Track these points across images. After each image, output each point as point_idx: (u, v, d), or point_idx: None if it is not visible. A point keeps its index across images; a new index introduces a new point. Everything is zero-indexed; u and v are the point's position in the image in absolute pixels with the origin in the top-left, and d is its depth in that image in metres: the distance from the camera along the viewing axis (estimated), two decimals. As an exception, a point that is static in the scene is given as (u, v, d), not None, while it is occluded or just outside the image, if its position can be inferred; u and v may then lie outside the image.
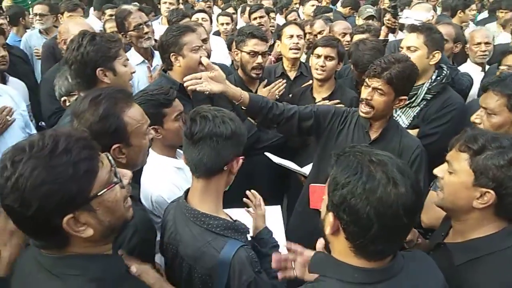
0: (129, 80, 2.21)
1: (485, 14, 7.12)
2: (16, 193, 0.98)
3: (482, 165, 1.42)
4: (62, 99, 2.35)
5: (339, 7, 7.01)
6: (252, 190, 1.95)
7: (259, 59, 2.89)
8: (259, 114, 2.33)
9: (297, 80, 3.39)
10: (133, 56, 3.30)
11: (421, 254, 1.45)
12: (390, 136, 2.23)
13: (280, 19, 5.95)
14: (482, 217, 1.48)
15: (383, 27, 4.64)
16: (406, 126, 2.62)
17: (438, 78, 2.67)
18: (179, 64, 2.61)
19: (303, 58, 4.22)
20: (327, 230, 1.19)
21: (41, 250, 1.12)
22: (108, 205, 1.11)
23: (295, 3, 6.86)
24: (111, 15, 4.85)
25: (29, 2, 6.34)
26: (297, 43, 3.30)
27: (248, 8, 5.15)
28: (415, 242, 1.82)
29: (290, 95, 3.19)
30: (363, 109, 2.18)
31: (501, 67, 3.08)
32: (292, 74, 3.44)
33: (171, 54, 2.61)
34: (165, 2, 4.95)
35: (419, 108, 2.67)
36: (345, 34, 3.92)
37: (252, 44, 2.88)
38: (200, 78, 2.23)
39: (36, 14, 4.60)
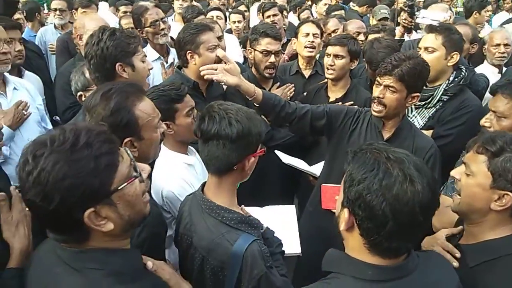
0: (147, 77, 2.23)
1: (501, 15, 7.02)
2: (38, 188, 0.99)
3: (500, 167, 1.41)
4: (78, 94, 2.36)
5: (352, 5, 6.99)
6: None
7: (272, 58, 2.89)
8: (272, 111, 2.33)
9: (312, 79, 3.38)
10: (149, 53, 3.30)
11: (436, 254, 1.44)
12: (403, 135, 2.21)
13: (293, 18, 5.93)
14: (498, 219, 1.46)
15: (398, 27, 4.61)
16: (421, 127, 2.60)
17: (456, 79, 2.64)
18: (194, 62, 2.62)
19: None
20: (342, 226, 1.19)
21: (61, 244, 1.13)
22: (128, 199, 1.11)
23: (307, 2, 6.84)
24: (125, 12, 4.90)
25: (44, -2, 6.43)
26: (313, 41, 3.29)
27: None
28: None
29: (305, 94, 3.18)
30: (375, 108, 2.17)
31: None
32: (307, 73, 3.43)
33: (187, 51, 2.62)
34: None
35: (434, 109, 2.64)
36: (359, 33, 3.89)
37: (265, 43, 2.88)
38: (216, 70, 2.23)
39: (55, 10, 4.64)
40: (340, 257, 1.24)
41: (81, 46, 3.12)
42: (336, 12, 5.14)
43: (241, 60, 4.25)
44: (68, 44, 4.00)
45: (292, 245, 1.98)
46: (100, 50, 2.04)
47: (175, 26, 4.16)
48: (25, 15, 4.69)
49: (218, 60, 2.58)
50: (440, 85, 2.63)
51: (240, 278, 1.47)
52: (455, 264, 1.47)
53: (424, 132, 2.45)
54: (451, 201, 1.63)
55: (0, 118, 2.38)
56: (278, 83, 3.04)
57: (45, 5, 6.57)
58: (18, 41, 3.09)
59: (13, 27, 3.05)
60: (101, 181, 1.04)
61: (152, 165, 1.95)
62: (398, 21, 4.77)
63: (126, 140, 1.55)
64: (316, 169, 2.75)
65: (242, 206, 1.69)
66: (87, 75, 2.31)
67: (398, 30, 4.51)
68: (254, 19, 6.19)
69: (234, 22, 4.80)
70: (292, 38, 3.66)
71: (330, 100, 3.00)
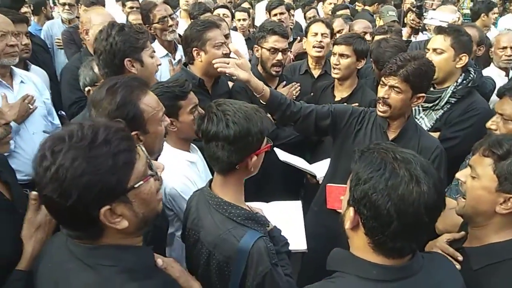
0: (155, 72, 2.24)
1: (507, 18, 6.99)
2: (55, 184, 0.98)
3: (506, 170, 1.41)
4: (86, 89, 2.37)
5: (357, 5, 6.99)
6: None
7: (279, 56, 2.89)
8: (278, 110, 2.33)
9: (321, 78, 3.38)
10: (157, 49, 3.27)
11: (441, 256, 1.45)
12: (409, 136, 2.21)
13: (299, 16, 5.92)
14: (503, 223, 1.46)
15: (406, 28, 4.59)
16: (428, 129, 2.59)
17: (464, 81, 2.63)
18: (200, 59, 2.62)
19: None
20: (347, 224, 1.19)
21: (74, 239, 1.13)
22: (144, 197, 1.11)
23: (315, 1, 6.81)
24: (131, 7, 4.90)
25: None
26: (321, 41, 3.28)
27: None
28: None
29: (312, 94, 3.18)
30: (380, 108, 2.17)
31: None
32: (316, 72, 3.43)
33: (194, 48, 2.61)
34: (184, -4, 4.95)
35: (442, 111, 2.63)
36: (365, 33, 3.87)
37: (272, 41, 2.88)
38: (228, 63, 2.24)
39: (64, 4, 4.63)
40: (345, 256, 1.24)
41: (87, 41, 3.13)
42: (341, 12, 5.13)
43: (247, 58, 4.25)
44: (74, 36, 4.04)
45: (298, 241, 1.98)
46: (109, 45, 2.05)
47: (181, 23, 4.16)
48: (32, 9, 4.69)
49: (224, 57, 2.58)
50: (448, 87, 2.62)
51: (246, 274, 1.47)
52: (457, 267, 1.47)
53: (431, 134, 2.45)
54: (455, 204, 1.63)
55: (6, 112, 2.38)
56: (284, 82, 3.04)
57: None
58: (25, 35, 3.11)
59: (20, 21, 3.07)
60: (118, 179, 1.03)
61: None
62: (405, 21, 4.76)
63: (132, 134, 1.55)
64: (315, 167, 2.75)
65: (249, 203, 1.69)
66: (96, 70, 2.31)
67: (406, 31, 4.49)
68: (259, 17, 6.19)
69: (239, 20, 4.79)
70: (303, 38, 3.65)
71: (336, 99, 3.00)
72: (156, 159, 1.83)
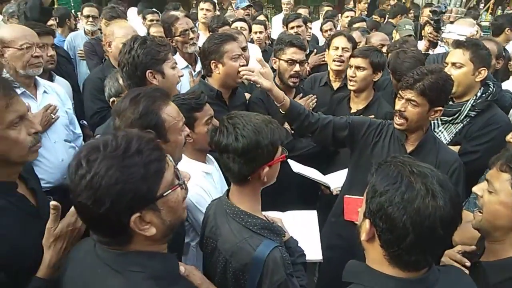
0: (176, 83, 2.28)
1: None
2: (90, 191, 1.02)
3: None
4: (111, 99, 2.43)
5: (374, 17, 7.03)
6: None
7: (297, 67, 2.91)
8: (297, 119, 2.37)
9: (340, 91, 3.39)
10: (178, 61, 3.34)
11: (457, 269, 1.43)
12: (427, 149, 2.20)
13: (316, 29, 5.96)
14: (521, 237, 1.44)
15: (423, 41, 4.57)
16: (447, 143, 2.57)
17: (483, 95, 2.61)
18: (218, 71, 2.67)
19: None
20: (363, 236, 1.20)
21: (103, 245, 1.16)
22: (171, 205, 1.15)
23: (327, 11, 6.87)
24: (151, 20, 5.01)
25: (71, 5, 6.61)
26: (341, 55, 3.30)
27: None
28: None
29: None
30: (397, 121, 2.18)
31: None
32: (335, 85, 3.45)
33: (212, 61, 2.67)
34: (202, 9, 5.04)
35: (461, 125, 2.61)
36: (382, 45, 3.88)
37: (290, 53, 2.91)
38: (253, 72, 2.29)
39: (88, 16, 4.77)
40: (361, 268, 1.24)
41: (109, 52, 3.21)
42: (357, 24, 5.15)
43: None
44: (95, 48, 4.15)
45: (313, 251, 1.98)
46: (132, 58, 2.12)
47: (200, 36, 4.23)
48: (57, 21, 4.83)
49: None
50: (467, 100, 2.60)
51: (261, 283, 1.48)
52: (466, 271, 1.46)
53: (451, 147, 2.43)
54: (472, 217, 1.61)
55: (36, 121, 2.44)
56: (301, 94, 3.06)
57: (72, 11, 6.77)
58: (50, 47, 3.21)
59: (47, 33, 3.18)
60: (149, 187, 1.07)
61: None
62: (423, 34, 4.74)
63: None
64: (329, 178, 2.75)
65: (266, 212, 1.71)
66: (121, 81, 2.38)
67: (423, 44, 4.48)
68: (275, 30, 6.25)
69: (256, 32, 4.84)
70: (326, 49, 3.68)
71: (352, 111, 3.00)
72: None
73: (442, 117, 2.50)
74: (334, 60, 3.32)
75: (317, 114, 2.43)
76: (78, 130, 3.03)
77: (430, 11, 4.51)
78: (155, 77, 2.16)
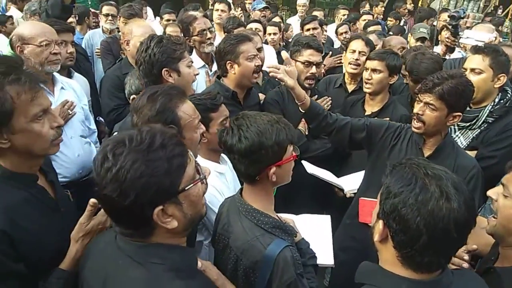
0: (192, 82, 2.30)
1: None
2: (115, 184, 1.05)
3: None
4: (132, 97, 2.47)
5: (389, 20, 7.02)
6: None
7: (313, 69, 2.92)
8: (316, 119, 2.39)
9: (354, 93, 3.40)
10: (194, 60, 3.37)
11: (471, 273, 1.43)
12: (445, 154, 2.18)
13: (331, 31, 5.95)
14: (536, 243, 1.42)
15: (441, 46, 4.53)
16: (464, 148, 2.55)
17: (502, 101, 2.58)
18: (234, 71, 2.69)
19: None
20: (376, 237, 1.20)
21: (125, 237, 1.18)
22: (192, 199, 1.17)
23: (343, 14, 6.87)
24: (168, 20, 5.06)
25: (89, 3, 6.70)
26: (357, 59, 3.31)
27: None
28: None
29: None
30: (415, 124, 2.18)
31: None
32: (350, 87, 3.45)
33: (227, 61, 2.70)
34: (217, 10, 5.07)
35: (479, 131, 2.59)
36: (403, 48, 3.86)
37: (307, 54, 2.91)
38: (279, 69, 2.32)
39: (107, 15, 4.84)
40: (374, 269, 1.25)
41: (127, 51, 3.25)
42: (372, 28, 5.14)
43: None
44: (111, 46, 4.20)
45: (325, 255, 1.98)
46: (148, 56, 2.16)
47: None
48: (76, 19, 4.91)
49: (256, 69, 2.67)
50: (485, 106, 2.58)
51: (271, 281, 1.48)
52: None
53: (468, 152, 2.41)
54: (487, 223, 1.60)
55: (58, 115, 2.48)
56: (316, 96, 3.07)
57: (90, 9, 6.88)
58: (70, 44, 3.24)
59: (67, 30, 3.21)
60: (171, 181, 1.10)
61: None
62: (439, 39, 4.70)
63: None
64: (343, 181, 2.74)
65: (279, 214, 1.71)
66: (140, 80, 2.41)
67: (440, 49, 4.44)
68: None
69: (270, 34, 4.85)
70: (342, 51, 3.69)
71: (366, 113, 3.00)
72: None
73: (459, 123, 2.47)
74: (350, 63, 3.33)
75: (335, 115, 2.45)
76: (93, 126, 3.06)
77: (448, 16, 4.47)
78: (171, 75, 2.18)
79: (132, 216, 1.10)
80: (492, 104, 2.58)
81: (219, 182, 2.11)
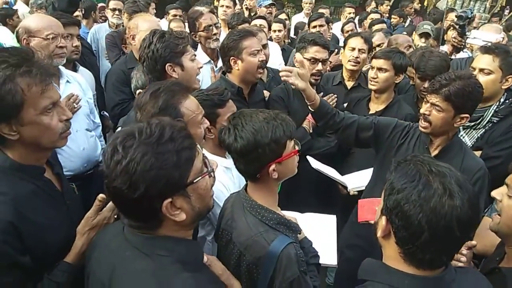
0: (197, 75, 2.30)
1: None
2: (125, 176, 1.06)
3: None
4: (138, 91, 2.47)
5: (393, 17, 6.99)
6: None
7: (319, 66, 2.92)
8: (324, 118, 2.41)
9: (354, 90, 3.41)
10: (200, 56, 3.38)
11: (474, 271, 1.45)
12: (451, 154, 2.17)
13: (337, 29, 5.94)
14: (542, 243, 1.42)
15: (447, 45, 4.52)
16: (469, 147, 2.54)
17: (507, 101, 2.58)
18: (237, 67, 2.70)
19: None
20: (379, 232, 1.21)
21: (132, 229, 1.19)
22: (200, 192, 1.18)
23: (349, 13, 6.86)
24: (174, 15, 5.06)
25: (95, -3, 6.70)
26: (357, 57, 3.32)
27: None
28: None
29: (345, 104, 3.19)
30: (421, 123, 2.18)
31: None
32: (349, 84, 3.46)
33: (231, 57, 2.70)
34: (222, 5, 5.06)
35: (483, 130, 2.59)
36: (410, 46, 3.87)
37: (313, 51, 2.91)
38: (291, 72, 2.34)
39: (114, 9, 4.84)
40: (377, 265, 1.25)
41: (133, 46, 3.24)
42: (378, 26, 5.13)
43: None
44: (116, 40, 4.22)
45: (328, 255, 1.98)
46: (151, 52, 2.16)
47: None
48: (83, 12, 4.91)
49: (260, 64, 2.67)
50: (490, 106, 2.57)
51: (273, 278, 1.49)
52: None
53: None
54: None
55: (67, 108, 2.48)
56: (322, 93, 3.07)
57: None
58: (76, 37, 3.25)
59: (73, 24, 3.22)
60: (180, 174, 1.10)
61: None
62: (445, 39, 4.68)
63: None
64: (347, 178, 2.74)
65: (283, 212, 1.71)
66: (145, 76, 2.41)
67: (447, 49, 4.42)
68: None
69: (275, 31, 4.85)
70: (341, 49, 3.68)
71: (370, 112, 3.00)
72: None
73: (463, 122, 2.47)
74: (350, 61, 3.33)
75: (343, 114, 2.45)
76: (97, 120, 3.08)
77: (456, 16, 4.45)
78: (174, 70, 2.18)
79: (141, 208, 1.10)
80: (497, 104, 2.57)
81: (226, 177, 2.12)
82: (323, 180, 2.82)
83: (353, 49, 3.33)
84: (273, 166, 1.52)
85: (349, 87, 3.44)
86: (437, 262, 1.16)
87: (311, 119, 2.91)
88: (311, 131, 2.92)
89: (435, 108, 2.09)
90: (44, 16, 2.90)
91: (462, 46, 4.34)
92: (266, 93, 3.11)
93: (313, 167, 2.64)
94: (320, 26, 4.67)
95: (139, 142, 1.07)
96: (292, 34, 6.07)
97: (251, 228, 1.53)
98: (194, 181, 1.15)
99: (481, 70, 2.54)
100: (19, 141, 1.38)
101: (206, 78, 3.32)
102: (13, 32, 4.68)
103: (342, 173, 2.84)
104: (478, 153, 2.49)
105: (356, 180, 2.69)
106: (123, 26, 4.48)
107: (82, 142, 2.67)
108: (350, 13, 6.76)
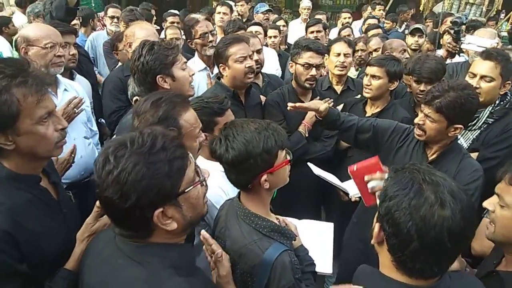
0: (190, 83, 2.29)
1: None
2: (116, 186, 1.06)
3: None
4: (134, 98, 2.48)
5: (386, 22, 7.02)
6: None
7: (313, 71, 2.93)
8: (328, 125, 2.53)
9: (344, 94, 3.44)
10: (196, 63, 3.45)
11: (469, 276, 1.44)
12: (449, 159, 2.18)
13: (334, 35, 5.97)
14: (538, 250, 1.43)
15: (442, 50, 4.55)
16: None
17: (502, 103, 2.61)
18: (226, 74, 2.75)
19: (354, 75, 4.25)
20: (373, 239, 1.21)
21: (124, 238, 1.19)
22: (192, 201, 1.18)
23: (344, 18, 6.90)
24: (172, 22, 5.09)
25: (93, 5, 6.73)
26: (343, 61, 3.35)
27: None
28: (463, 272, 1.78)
29: (339, 107, 3.21)
30: (416, 131, 2.20)
31: None
32: (338, 88, 3.49)
33: (220, 64, 2.76)
34: (219, 12, 5.11)
35: (479, 131, 2.60)
36: (404, 50, 3.90)
37: (307, 57, 2.93)
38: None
39: (112, 17, 4.87)
40: (371, 272, 1.26)
41: (130, 53, 3.26)
42: (373, 31, 5.16)
43: (279, 74, 4.32)
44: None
45: (324, 263, 1.98)
46: (141, 64, 2.15)
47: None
48: (80, 21, 4.93)
49: (248, 70, 2.70)
50: (485, 108, 2.59)
51: (268, 286, 1.48)
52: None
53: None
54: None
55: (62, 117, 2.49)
56: (318, 97, 3.08)
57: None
58: (72, 45, 3.26)
59: (69, 32, 3.23)
60: (172, 183, 1.11)
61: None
62: (441, 43, 4.71)
63: None
64: (348, 185, 2.74)
65: (278, 216, 1.71)
66: (137, 87, 2.39)
67: (442, 53, 4.45)
68: (292, 34, 6.27)
69: (270, 37, 4.88)
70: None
71: (367, 115, 3.02)
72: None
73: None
74: (336, 66, 3.36)
75: (344, 115, 2.50)
76: (95, 128, 3.08)
77: (450, 22, 4.48)
78: (166, 81, 2.17)
79: (132, 218, 1.10)
80: (492, 105, 2.59)
81: (224, 181, 2.08)
82: (321, 185, 2.83)
83: (338, 54, 3.35)
84: (264, 177, 1.52)
85: (339, 92, 3.47)
86: (428, 272, 1.15)
87: (306, 123, 2.93)
88: (307, 135, 2.93)
89: (428, 118, 2.11)
90: (43, 25, 2.92)
91: (456, 51, 4.37)
92: (263, 98, 3.13)
93: (315, 173, 2.64)
94: (318, 32, 4.74)
95: (131, 152, 1.08)
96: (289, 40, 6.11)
97: (245, 236, 1.53)
98: (186, 190, 1.15)
99: (483, 77, 2.53)
100: (15, 151, 1.39)
101: (202, 84, 3.34)
102: (8, 41, 4.73)
103: (340, 177, 2.85)
104: (474, 155, 2.49)
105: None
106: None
107: (80, 150, 2.66)
108: (345, 18, 6.80)
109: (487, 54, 2.57)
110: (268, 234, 1.53)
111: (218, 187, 2.03)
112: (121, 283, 1.14)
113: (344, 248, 2.35)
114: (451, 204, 1.08)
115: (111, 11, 4.92)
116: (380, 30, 5.36)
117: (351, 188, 2.67)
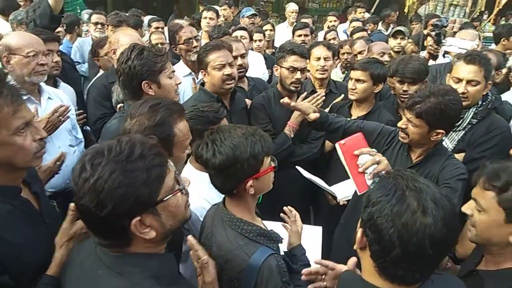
0: (175, 91, 2.28)
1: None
2: (93, 194, 1.04)
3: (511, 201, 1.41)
4: (118, 105, 2.47)
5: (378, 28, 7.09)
6: (289, 207, 1.96)
7: (298, 74, 2.95)
8: (317, 127, 2.59)
9: (327, 97, 3.39)
10: (181, 68, 3.44)
11: (450, 276, 1.44)
12: (433, 162, 2.20)
13: (320, 38, 6.00)
14: (518, 250, 1.45)
15: (425, 52, 4.60)
16: (451, 151, 2.57)
17: (484, 103, 2.65)
18: (207, 80, 2.77)
19: (340, 77, 4.28)
20: (356, 244, 1.22)
21: (103, 248, 1.18)
22: (171, 210, 1.17)
23: (330, 21, 6.95)
24: (157, 27, 5.08)
25: (78, 11, 6.68)
26: (324, 65, 3.37)
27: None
28: (443, 267, 1.80)
29: (326, 110, 3.23)
30: (400, 134, 2.24)
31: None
32: (321, 91, 3.44)
33: (201, 70, 2.78)
34: (206, 17, 5.11)
35: (463, 132, 2.63)
36: (383, 53, 3.93)
37: (291, 60, 2.95)
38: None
39: (96, 23, 4.82)
40: (354, 279, 1.26)
41: (114, 60, 3.24)
42: (358, 34, 5.21)
43: (266, 77, 4.34)
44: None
45: (312, 267, 1.98)
46: (128, 68, 2.12)
47: (202, 44, 4.27)
48: (64, 28, 4.87)
49: (226, 78, 2.70)
50: (469, 109, 2.61)
51: None
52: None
53: (456, 155, 2.41)
54: None
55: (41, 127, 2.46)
56: (306, 93, 3.09)
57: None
58: (56, 53, 3.24)
59: (52, 40, 3.21)
60: (150, 192, 1.09)
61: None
62: (425, 45, 4.77)
63: None
64: (336, 188, 2.75)
65: (269, 222, 1.72)
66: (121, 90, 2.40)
67: (424, 55, 4.51)
68: (278, 38, 6.31)
69: (255, 40, 4.90)
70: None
71: (352, 117, 3.04)
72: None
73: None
74: (317, 70, 3.38)
75: (332, 117, 2.53)
76: (80, 135, 3.05)
77: (431, 25, 4.54)
78: (151, 87, 2.15)
79: (110, 226, 1.09)
80: (476, 106, 2.63)
81: (211, 192, 2.05)
82: (309, 187, 2.83)
83: (319, 58, 3.37)
84: (250, 182, 1.52)
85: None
86: (409, 279, 1.14)
87: (292, 124, 2.95)
88: (292, 135, 2.94)
89: (410, 123, 2.14)
90: (25, 33, 2.88)
91: (437, 54, 4.43)
92: (248, 102, 3.14)
93: (305, 176, 2.65)
94: (305, 35, 4.78)
95: (108, 160, 1.06)
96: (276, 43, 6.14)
97: (231, 241, 1.53)
98: (165, 199, 1.14)
99: (469, 81, 2.54)
100: None
101: (188, 89, 3.34)
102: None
103: (326, 180, 2.87)
104: (460, 156, 2.52)
105: (345, 190, 2.69)
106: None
107: (65, 159, 2.66)
108: (331, 21, 6.85)
109: (470, 58, 2.59)
110: (254, 238, 1.53)
111: (205, 201, 1.99)
112: None
113: (333, 250, 2.36)
114: (433, 211, 1.07)
115: (95, 17, 4.88)
116: (365, 33, 5.41)
117: (338, 192, 2.69)
